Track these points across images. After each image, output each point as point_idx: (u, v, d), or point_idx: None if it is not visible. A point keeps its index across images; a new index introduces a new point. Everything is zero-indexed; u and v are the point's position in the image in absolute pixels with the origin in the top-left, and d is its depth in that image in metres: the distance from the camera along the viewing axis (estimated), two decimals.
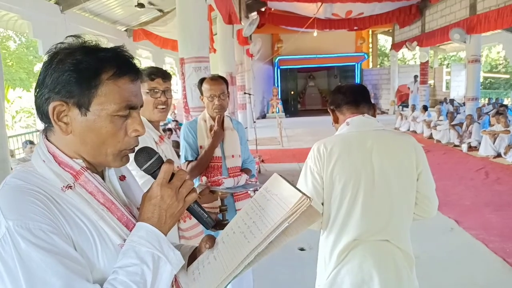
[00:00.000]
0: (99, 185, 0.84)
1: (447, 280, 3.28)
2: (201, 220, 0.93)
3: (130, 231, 0.83)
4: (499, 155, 7.99)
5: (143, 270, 0.77)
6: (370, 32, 20.59)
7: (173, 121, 10.77)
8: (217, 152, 2.36)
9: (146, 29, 8.75)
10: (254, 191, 2.67)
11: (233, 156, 2.43)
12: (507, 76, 24.74)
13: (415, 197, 1.64)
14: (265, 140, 10.86)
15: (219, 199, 2.14)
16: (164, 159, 0.90)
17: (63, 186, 0.80)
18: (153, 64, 9.40)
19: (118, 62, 0.82)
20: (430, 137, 10.87)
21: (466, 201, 5.38)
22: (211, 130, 2.34)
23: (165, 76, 1.87)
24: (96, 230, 0.80)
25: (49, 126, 0.84)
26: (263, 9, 13.74)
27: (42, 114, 0.82)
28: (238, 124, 2.60)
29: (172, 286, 0.88)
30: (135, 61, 0.87)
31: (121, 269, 0.77)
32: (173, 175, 0.85)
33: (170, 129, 8.40)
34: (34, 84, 0.84)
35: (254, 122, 8.86)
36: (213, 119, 2.38)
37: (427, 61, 14.91)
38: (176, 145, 4.10)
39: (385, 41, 25.72)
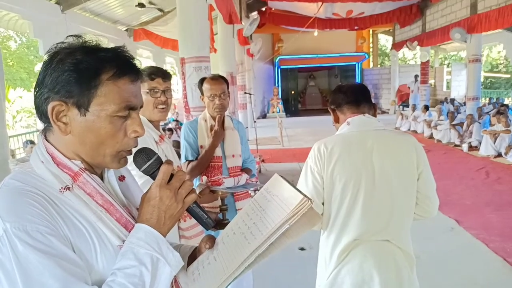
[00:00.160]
0: (98, 186, 0.83)
1: (447, 280, 3.28)
2: (201, 221, 0.92)
3: (129, 232, 0.83)
4: (499, 155, 7.98)
5: (142, 272, 0.76)
6: (371, 32, 20.58)
7: (174, 120, 10.77)
8: (218, 152, 2.36)
9: (146, 28, 8.75)
10: (255, 190, 2.67)
11: (233, 155, 2.43)
12: (508, 76, 24.71)
13: (415, 197, 1.64)
14: (266, 140, 10.87)
15: (219, 198, 2.14)
16: (165, 159, 0.89)
17: (61, 188, 0.79)
18: (153, 64, 9.40)
19: (118, 63, 0.82)
20: (431, 136, 10.87)
21: (466, 201, 5.37)
22: (211, 129, 2.34)
23: (165, 75, 1.87)
24: (95, 231, 0.80)
25: (48, 126, 0.84)
26: (263, 9, 13.73)
27: (41, 113, 0.82)
28: (239, 123, 2.60)
29: (172, 286, 0.88)
30: (136, 62, 0.87)
31: (120, 270, 0.77)
32: (172, 175, 0.84)
33: (170, 129, 8.41)
34: (34, 84, 0.84)
35: (255, 121, 8.85)
36: (214, 118, 2.38)
37: (428, 61, 14.89)
38: (177, 145, 4.10)
39: (385, 40, 25.71)
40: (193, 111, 4.16)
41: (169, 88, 1.90)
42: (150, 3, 7.44)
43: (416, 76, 15.21)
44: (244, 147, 2.54)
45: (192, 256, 1.00)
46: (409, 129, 12.41)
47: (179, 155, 2.26)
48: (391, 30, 18.09)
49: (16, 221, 0.71)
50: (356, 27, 15.65)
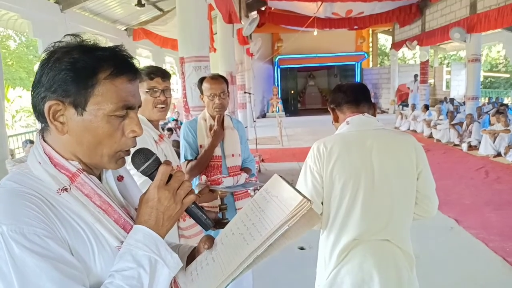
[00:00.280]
0: (96, 187, 0.83)
1: (447, 279, 3.28)
2: (200, 221, 0.91)
3: (128, 233, 0.82)
4: (499, 154, 7.99)
5: (140, 274, 0.76)
6: (370, 31, 20.58)
7: (174, 120, 10.76)
8: (217, 151, 2.36)
9: (146, 28, 8.75)
10: (254, 190, 2.67)
11: (233, 155, 2.42)
12: (507, 75, 24.71)
13: (415, 196, 1.64)
14: (265, 140, 10.87)
15: (218, 198, 2.14)
16: (164, 158, 0.89)
17: (59, 189, 0.79)
18: (153, 64, 9.40)
19: (116, 62, 0.81)
20: (430, 136, 10.87)
21: (466, 200, 5.38)
22: (211, 129, 2.34)
23: (164, 75, 1.87)
24: (93, 233, 0.79)
25: (46, 126, 0.83)
26: (263, 8, 13.73)
27: (39, 113, 0.81)
28: (238, 123, 2.60)
29: (171, 287, 0.88)
30: (134, 61, 0.86)
31: (118, 272, 0.76)
32: (170, 176, 0.84)
33: (170, 129, 8.41)
34: (32, 83, 0.83)
35: (254, 121, 8.85)
36: (213, 118, 2.38)
37: (427, 60, 14.90)
38: (177, 144, 4.10)
39: (385, 40, 25.70)
40: (192, 110, 4.16)
41: (169, 88, 1.90)
42: (150, 2, 7.42)
43: (415, 76, 15.22)
44: (244, 146, 2.54)
45: (191, 256, 1.00)
46: (408, 129, 12.42)
47: (178, 155, 2.26)
48: (390, 30, 18.10)
49: (13, 223, 0.70)
50: (355, 27, 15.65)
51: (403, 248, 1.59)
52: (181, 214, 0.85)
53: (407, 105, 15.56)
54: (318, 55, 18.79)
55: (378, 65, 22.72)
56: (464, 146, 9.08)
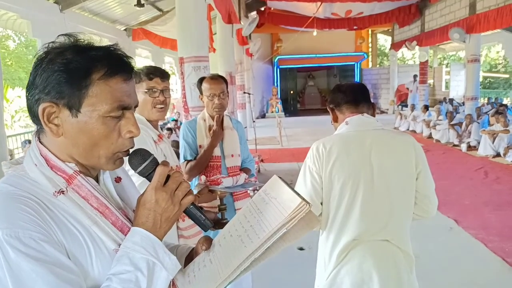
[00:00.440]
0: (93, 189, 0.81)
1: (446, 280, 3.28)
2: (199, 222, 0.90)
3: (125, 235, 0.81)
4: (498, 155, 8.00)
5: (138, 277, 0.75)
6: (370, 32, 20.59)
7: (173, 120, 10.76)
8: (217, 152, 2.36)
9: (145, 28, 8.74)
10: (254, 190, 2.67)
11: (232, 155, 2.42)
12: (507, 76, 24.74)
13: (414, 196, 1.64)
14: (265, 140, 10.86)
15: (218, 198, 2.14)
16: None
17: (55, 191, 0.77)
18: (152, 64, 9.39)
19: (110, 61, 0.80)
20: (430, 136, 10.88)
21: (465, 201, 5.38)
22: (210, 129, 2.34)
23: (164, 75, 1.87)
24: (90, 235, 0.78)
25: (42, 128, 0.81)
26: (262, 9, 13.73)
27: (33, 115, 0.80)
28: (238, 123, 2.60)
29: None
30: (129, 60, 0.85)
31: (115, 276, 0.75)
32: (168, 177, 0.82)
33: (169, 128, 8.40)
34: (26, 85, 0.82)
35: (254, 121, 8.85)
36: (213, 118, 2.38)
37: (427, 61, 14.92)
38: (176, 145, 4.10)
39: (384, 40, 25.71)
40: (192, 110, 4.15)
41: (168, 88, 1.90)
42: (149, 2, 7.42)
43: (415, 76, 15.23)
44: (243, 146, 2.54)
45: (189, 257, 0.99)
46: (408, 129, 12.42)
47: (178, 155, 2.26)
48: (390, 30, 18.10)
49: (8, 227, 0.69)
50: (355, 27, 15.66)
51: (402, 248, 1.59)
52: (179, 215, 0.84)
53: (406, 106, 15.57)
54: (318, 55, 18.80)
55: (378, 66, 22.73)
56: (464, 147, 9.08)
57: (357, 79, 19.55)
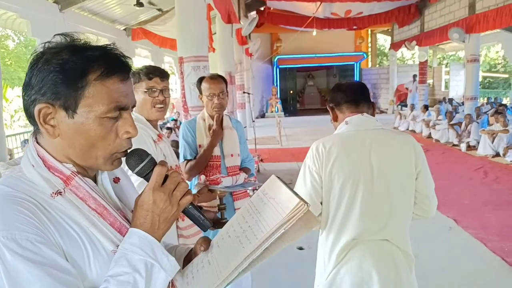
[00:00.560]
0: (91, 190, 0.81)
1: (445, 279, 3.28)
2: (198, 222, 0.89)
3: (124, 236, 0.80)
4: (497, 155, 8.00)
5: (136, 279, 0.74)
6: (369, 32, 20.59)
7: (173, 120, 10.76)
8: (216, 151, 2.36)
9: (145, 28, 8.73)
10: (253, 190, 2.67)
11: (232, 155, 2.42)
12: (506, 76, 24.75)
13: (414, 196, 1.64)
14: (264, 140, 10.86)
15: (217, 197, 2.14)
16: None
17: (53, 193, 0.77)
18: (152, 63, 9.39)
19: (107, 61, 0.78)
20: (429, 136, 10.88)
21: (464, 200, 5.38)
22: (210, 129, 2.34)
23: (163, 75, 1.87)
24: (88, 237, 0.77)
25: (38, 129, 0.80)
26: (262, 8, 13.73)
27: (30, 116, 0.79)
28: (237, 123, 2.60)
29: None
30: (127, 60, 0.83)
31: (113, 278, 0.74)
32: (166, 177, 0.81)
33: (169, 128, 8.40)
34: (22, 86, 0.81)
35: (253, 121, 8.84)
36: (212, 118, 2.38)
37: (426, 61, 14.93)
38: (176, 145, 4.10)
39: (384, 40, 25.72)
40: (191, 110, 4.15)
41: (167, 88, 1.90)
42: (149, 2, 7.41)
43: (414, 76, 15.24)
44: (243, 146, 2.54)
45: (187, 258, 0.98)
46: (407, 129, 12.43)
47: (177, 155, 2.26)
48: (389, 30, 18.11)
49: (5, 229, 0.68)
50: (354, 27, 15.67)
51: (402, 248, 1.59)
52: (178, 216, 0.83)
53: (406, 105, 15.58)
54: (317, 55, 18.79)
55: (377, 65, 22.73)
56: (463, 146, 9.09)
57: (356, 79, 19.53)
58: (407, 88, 15.90)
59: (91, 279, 0.76)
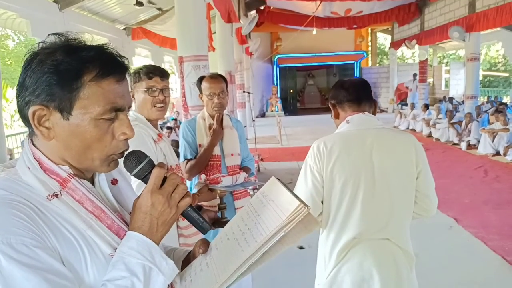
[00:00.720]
0: (88, 192, 0.79)
1: (446, 278, 3.28)
2: (197, 225, 0.88)
3: (122, 239, 0.79)
4: (498, 153, 8.00)
5: (134, 283, 0.73)
6: (369, 31, 20.58)
7: (173, 120, 10.76)
8: (216, 151, 2.36)
9: (145, 27, 8.72)
10: (253, 189, 2.67)
11: (232, 154, 2.42)
12: (506, 74, 24.73)
13: (414, 195, 1.64)
14: (264, 139, 10.86)
15: (218, 197, 2.14)
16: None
17: (49, 195, 0.75)
18: (152, 63, 9.38)
19: (102, 62, 0.77)
20: (429, 135, 10.89)
21: (465, 199, 5.38)
22: (210, 128, 2.34)
23: (163, 74, 1.87)
24: (85, 240, 0.76)
25: (33, 131, 0.79)
26: (262, 8, 13.72)
27: (24, 118, 0.77)
28: (237, 122, 2.60)
29: None
30: (123, 59, 0.82)
31: (110, 282, 0.73)
32: (165, 179, 0.80)
33: (170, 128, 8.41)
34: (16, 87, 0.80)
35: (253, 120, 8.85)
36: (212, 117, 2.38)
37: (426, 60, 14.93)
38: (176, 144, 4.10)
39: (384, 39, 25.69)
40: (191, 109, 4.15)
41: (167, 87, 1.90)
42: (149, 1, 7.41)
43: (414, 75, 15.24)
44: (243, 145, 2.54)
45: (186, 260, 0.97)
46: (407, 128, 12.43)
47: (178, 155, 2.26)
48: (389, 29, 18.09)
49: (0, 234, 0.66)
50: (354, 26, 15.66)
51: (403, 247, 1.59)
52: (177, 218, 0.82)
53: (406, 104, 15.58)
54: (317, 54, 18.77)
55: (377, 64, 22.73)
56: (463, 145, 9.09)
57: None
58: (407, 87, 15.89)
59: (88, 283, 0.75)
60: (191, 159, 2.36)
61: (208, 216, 1.80)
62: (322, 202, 1.63)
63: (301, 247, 3.83)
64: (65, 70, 0.74)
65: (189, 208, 0.85)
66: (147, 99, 1.82)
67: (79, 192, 0.78)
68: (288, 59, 19.11)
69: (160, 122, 2.07)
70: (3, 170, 0.80)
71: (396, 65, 17.98)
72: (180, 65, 4.18)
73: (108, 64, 0.78)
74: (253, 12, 12.31)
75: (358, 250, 1.56)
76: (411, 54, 26.81)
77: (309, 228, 0.80)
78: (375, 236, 1.57)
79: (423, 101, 13.86)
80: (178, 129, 5.66)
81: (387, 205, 1.57)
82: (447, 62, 24.61)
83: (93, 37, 0.83)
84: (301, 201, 0.77)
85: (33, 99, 0.75)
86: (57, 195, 0.76)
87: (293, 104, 20.35)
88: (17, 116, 13.72)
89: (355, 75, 19.73)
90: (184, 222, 1.87)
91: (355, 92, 1.68)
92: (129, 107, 0.83)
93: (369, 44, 21.55)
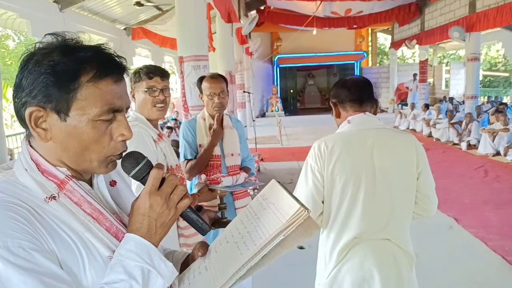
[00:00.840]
0: (86, 194, 0.78)
1: (446, 278, 3.28)
2: (196, 226, 0.87)
3: (120, 241, 0.78)
4: (498, 153, 8.00)
5: (132, 286, 0.72)
6: (370, 31, 20.58)
7: (173, 119, 10.76)
8: (217, 151, 2.36)
9: (145, 27, 8.72)
10: (254, 189, 2.67)
11: (232, 154, 2.42)
12: (506, 74, 24.72)
13: (415, 196, 1.64)
14: (265, 139, 10.86)
15: (218, 197, 2.14)
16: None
17: (46, 197, 0.74)
18: (152, 63, 9.38)
19: (99, 62, 0.76)
20: (430, 135, 10.88)
21: (465, 199, 5.38)
22: (210, 128, 2.34)
23: (164, 74, 1.87)
24: (83, 242, 0.75)
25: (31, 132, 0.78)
26: (262, 8, 13.72)
27: (21, 119, 0.76)
28: (238, 122, 2.60)
29: None
30: (121, 60, 0.81)
31: (108, 285, 0.72)
32: (163, 180, 0.79)
33: (170, 127, 8.41)
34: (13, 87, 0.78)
35: (254, 120, 8.85)
36: (213, 117, 2.38)
37: (427, 60, 14.93)
38: (176, 144, 4.10)
39: (384, 39, 25.68)
40: (191, 109, 4.15)
41: (168, 87, 1.90)
42: (149, 1, 7.41)
43: (414, 75, 15.24)
44: (243, 145, 2.54)
45: (185, 263, 0.97)
46: (408, 128, 12.44)
47: (178, 155, 2.26)
48: (389, 29, 18.09)
49: None
50: (354, 26, 15.66)
51: (403, 247, 1.59)
52: (175, 220, 0.81)
53: (406, 104, 15.58)
54: (317, 54, 18.77)
55: (377, 64, 22.73)
56: (463, 145, 9.09)
57: None
58: (407, 87, 15.89)
59: (86, 286, 0.74)
60: (191, 159, 2.36)
61: (208, 216, 1.80)
62: (322, 202, 1.63)
63: (301, 247, 3.83)
64: (62, 70, 0.73)
65: (188, 209, 0.84)
66: (147, 99, 1.82)
67: (77, 194, 0.77)
68: (288, 59, 19.12)
69: (160, 122, 2.07)
70: (0, 172, 0.79)
71: (396, 65, 17.99)
72: (180, 65, 4.18)
73: (105, 64, 0.77)
74: (253, 12, 12.30)
75: (358, 250, 1.56)
76: (411, 54, 26.80)
77: (309, 232, 0.79)
78: (376, 236, 1.57)
79: (423, 101, 13.86)
80: (178, 129, 5.67)
81: (388, 205, 1.57)
82: (447, 62, 24.61)
83: (90, 37, 0.82)
84: (302, 204, 0.76)
85: (29, 100, 0.74)
86: (55, 197, 0.75)
87: (293, 104, 20.35)
88: None
89: (356, 75, 19.73)
90: (184, 222, 1.85)
91: (358, 92, 1.67)
92: (128, 108, 0.83)
93: (369, 44, 21.55)
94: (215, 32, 8.46)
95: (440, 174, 6.38)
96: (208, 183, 2.21)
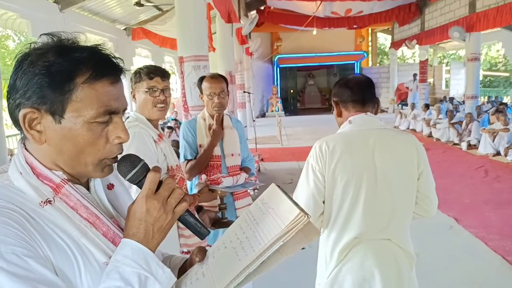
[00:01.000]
0: (82, 198, 0.77)
1: (446, 278, 3.28)
2: (194, 230, 0.85)
3: (117, 246, 0.76)
4: (498, 153, 8.00)
5: None
6: (370, 31, 20.58)
7: (173, 120, 10.76)
8: (217, 151, 2.36)
9: (145, 27, 8.74)
10: (254, 189, 2.67)
11: (232, 154, 2.42)
12: (507, 74, 24.72)
13: (415, 196, 1.64)
14: (265, 139, 10.86)
15: (218, 197, 2.14)
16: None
17: (42, 201, 0.72)
18: (152, 63, 9.38)
19: (95, 63, 0.74)
20: (430, 135, 10.89)
21: (465, 199, 5.38)
22: (210, 128, 2.34)
23: (164, 74, 1.87)
24: (79, 248, 0.73)
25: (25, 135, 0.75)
26: (262, 8, 13.72)
27: (15, 121, 0.74)
28: (238, 122, 2.60)
29: None
30: (117, 60, 0.79)
31: None
32: (160, 183, 0.77)
33: (170, 127, 8.41)
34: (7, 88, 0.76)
35: (254, 120, 8.86)
36: (213, 117, 2.38)
37: (427, 60, 14.93)
38: (176, 144, 4.10)
39: (384, 39, 25.68)
40: (191, 110, 4.15)
41: (168, 87, 1.90)
42: (149, 1, 7.42)
43: (414, 75, 15.23)
44: (243, 146, 2.54)
45: (183, 268, 0.95)
46: (408, 128, 12.44)
47: (178, 155, 2.26)
48: (390, 29, 18.10)
49: None
50: (355, 26, 15.66)
51: (403, 247, 1.59)
52: (173, 224, 0.79)
53: (406, 104, 15.58)
54: (318, 54, 18.78)
55: (378, 64, 22.73)
56: (464, 145, 9.08)
57: None
58: (407, 87, 15.89)
59: None
60: (191, 160, 2.36)
61: (209, 216, 1.80)
62: (323, 202, 1.63)
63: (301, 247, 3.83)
64: (57, 71, 0.71)
65: (186, 213, 0.82)
66: (148, 99, 1.82)
67: (73, 198, 0.76)
68: (288, 59, 19.12)
69: (160, 122, 2.07)
70: None
71: (397, 65, 18.00)
72: (181, 65, 4.18)
73: (102, 65, 0.75)
74: (253, 12, 12.30)
75: (359, 250, 1.56)
76: (412, 54, 26.80)
77: (309, 237, 0.78)
78: (376, 236, 1.57)
79: (424, 101, 13.86)
80: (179, 129, 5.67)
81: (389, 206, 1.57)
82: (448, 62, 24.61)
83: (87, 37, 0.81)
84: (301, 209, 0.75)
85: (23, 102, 0.72)
86: (50, 201, 0.73)
87: (293, 104, 20.36)
88: None
89: (357, 74, 19.71)
90: None
91: (360, 92, 1.66)
92: (125, 110, 0.81)
93: (370, 44, 21.55)
94: (215, 32, 8.47)
95: (440, 174, 6.38)
96: (209, 184, 2.21)
